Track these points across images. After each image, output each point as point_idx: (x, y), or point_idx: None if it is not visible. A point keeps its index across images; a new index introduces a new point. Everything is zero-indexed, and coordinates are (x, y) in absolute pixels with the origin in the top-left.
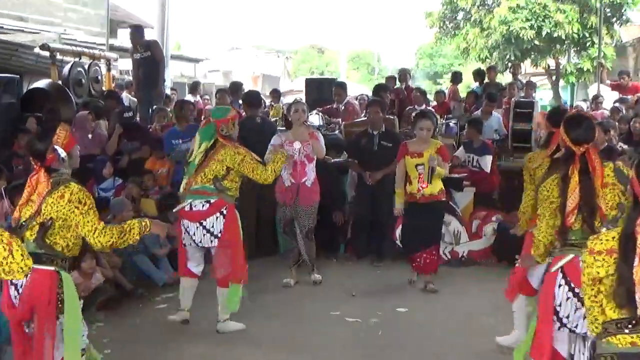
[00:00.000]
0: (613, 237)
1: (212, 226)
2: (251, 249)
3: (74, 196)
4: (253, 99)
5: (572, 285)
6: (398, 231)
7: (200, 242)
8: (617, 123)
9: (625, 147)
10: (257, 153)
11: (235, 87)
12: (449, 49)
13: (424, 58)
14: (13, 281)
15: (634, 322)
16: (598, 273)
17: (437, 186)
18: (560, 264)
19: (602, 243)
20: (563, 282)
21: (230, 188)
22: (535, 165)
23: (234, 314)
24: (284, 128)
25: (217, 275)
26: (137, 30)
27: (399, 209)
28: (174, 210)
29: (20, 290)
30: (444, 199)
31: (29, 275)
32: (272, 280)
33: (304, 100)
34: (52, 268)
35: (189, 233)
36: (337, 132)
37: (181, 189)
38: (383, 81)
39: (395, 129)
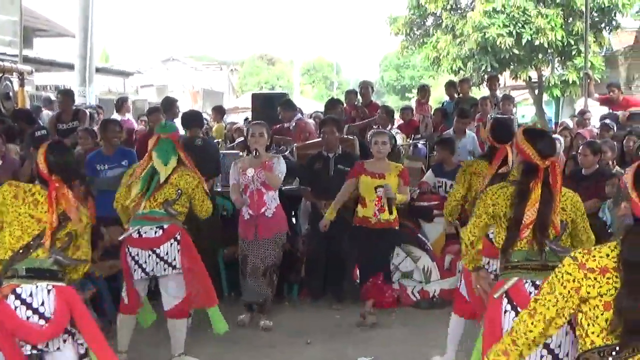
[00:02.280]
0: (607, 255)
1: (167, 253)
2: None
3: None
4: (192, 118)
5: (520, 310)
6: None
7: (152, 270)
8: (615, 143)
9: (618, 169)
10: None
11: (168, 103)
12: (418, 59)
13: (390, 70)
14: (25, 300)
15: (617, 348)
16: (588, 293)
17: (393, 213)
18: (505, 288)
19: (595, 260)
20: (509, 307)
21: (180, 213)
22: (471, 170)
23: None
24: (235, 151)
25: (169, 306)
26: (67, 94)
27: (322, 224)
28: (119, 239)
29: (44, 310)
30: (397, 227)
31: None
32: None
33: (252, 119)
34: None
35: (137, 262)
36: (287, 154)
37: (122, 204)
38: (343, 97)
39: (355, 151)
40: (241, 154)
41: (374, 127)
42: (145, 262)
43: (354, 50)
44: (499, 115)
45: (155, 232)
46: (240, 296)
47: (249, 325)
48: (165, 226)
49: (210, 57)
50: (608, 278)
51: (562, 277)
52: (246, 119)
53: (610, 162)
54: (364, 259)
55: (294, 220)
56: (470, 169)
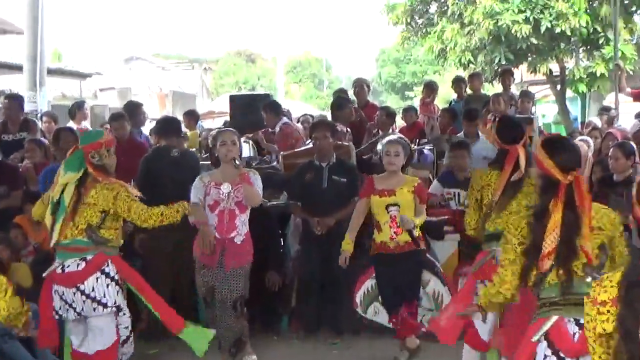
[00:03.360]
0: (618, 282)
1: (92, 289)
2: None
3: None
4: (168, 125)
5: (562, 355)
6: (359, 295)
7: (82, 310)
8: None
9: None
10: (173, 197)
11: (131, 109)
12: (421, 52)
13: (388, 65)
14: None
15: None
16: (604, 330)
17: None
18: (544, 329)
19: (606, 291)
20: (549, 352)
21: (110, 238)
22: (483, 183)
23: None
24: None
25: (91, 351)
26: (13, 100)
27: (342, 257)
28: (44, 275)
29: None
30: (423, 247)
31: None
32: None
33: (229, 126)
34: None
35: (66, 302)
36: (274, 164)
37: (51, 242)
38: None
39: (351, 159)
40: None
41: (373, 131)
42: (73, 301)
43: (346, 44)
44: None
45: (78, 265)
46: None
47: None
48: (89, 257)
49: (180, 55)
50: None
51: (588, 323)
52: (225, 123)
53: None
54: (387, 291)
55: (282, 241)
56: (479, 182)
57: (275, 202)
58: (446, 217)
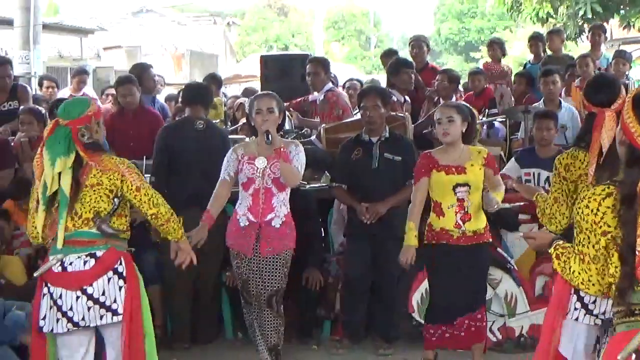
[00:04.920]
0: None
1: (103, 293)
2: (181, 334)
3: None
4: (194, 93)
5: None
6: (416, 297)
7: (83, 319)
8: None
9: None
10: (199, 175)
11: (139, 72)
12: (488, 5)
13: (449, 20)
14: None
15: None
16: None
17: (482, 220)
18: (634, 345)
19: None
20: None
21: (121, 228)
22: (575, 176)
23: None
24: (239, 136)
25: None
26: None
27: (408, 254)
28: (35, 274)
29: None
30: (490, 240)
31: None
32: None
33: (264, 91)
34: None
35: (61, 309)
36: (313, 138)
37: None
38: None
39: (407, 133)
40: (247, 139)
41: (434, 99)
42: (72, 307)
43: None
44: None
45: (85, 263)
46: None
47: None
48: (100, 253)
49: (199, 7)
50: None
51: None
52: (246, 91)
53: None
54: (447, 293)
55: (323, 232)
56: (568, 176)
57: (315, 185)
58: (522, 203)
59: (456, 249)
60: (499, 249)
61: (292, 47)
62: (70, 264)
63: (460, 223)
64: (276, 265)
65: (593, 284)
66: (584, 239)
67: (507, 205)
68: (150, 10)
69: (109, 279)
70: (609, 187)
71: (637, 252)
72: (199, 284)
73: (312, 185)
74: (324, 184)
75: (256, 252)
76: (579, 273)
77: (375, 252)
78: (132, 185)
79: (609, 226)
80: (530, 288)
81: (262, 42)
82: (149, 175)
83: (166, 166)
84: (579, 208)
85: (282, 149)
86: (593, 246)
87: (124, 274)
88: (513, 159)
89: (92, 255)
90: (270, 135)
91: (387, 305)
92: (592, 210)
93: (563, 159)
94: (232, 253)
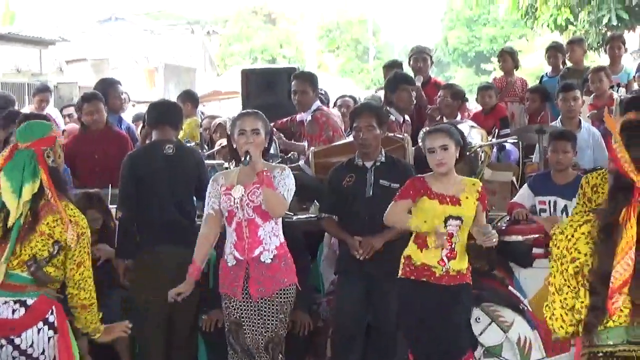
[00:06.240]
0: None
1: (31, 344)
2: None
3: None
4: (162, 112)
5: None
6: None
7: None
8: None
9: None
10: (172, 206)
11: (104, 88)
12: (502, 11)
13: (458, 27)
14: None
15: None
16: None
17: (465, 260)
18: None
19: None
20: None
21: (56, 278)
22: (601, 199)
23: None
24: (217, 161)
25: None
26: None
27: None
28: None
29: None
30: (470, 282)
31: None
32: None
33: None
34: None
35: None
36: (301, 163)
37: None
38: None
39: (407, 157)
40: (226, 165)
41: (436, 118)
42: None
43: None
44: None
45: (15, 311)
46: None
47: None
48: (30, 301)
49: (175, 14)
50: None
51: None
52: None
53: None
54: (426, 337)
55: (312, 269)
56: (593, 197)
57: (302, 216)
58: (536, 235)
59: (438, 288)
60: (510, 287)
61: (280, 58)
62: None
63: (445, 260)
64: (270, 308)
65: (557, 319)
66: (552, 266)
67: (519, 237)
68: (120, 18)
69: (39, 330)
70: (587, 215)
71: (611, 284)
72: (172, 329)
73: (299, 217)
74: (312, 215)
75: (246, 293)
76: (546, 309)
77: (370, 292)
78: (76, 257)
79: (579, 252)
80: (547, 331)
81: (246, 54)
82: (116, 207)
83: (134, 197)
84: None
85: (264, 174)
86: (561, 273)
87: (55, 324)
88: (526, 185)
89: (22, 303)
90: (250, 157)
91: (385, 352)
92: (566, 237)
93: (592, 178)
94: (222, 296)
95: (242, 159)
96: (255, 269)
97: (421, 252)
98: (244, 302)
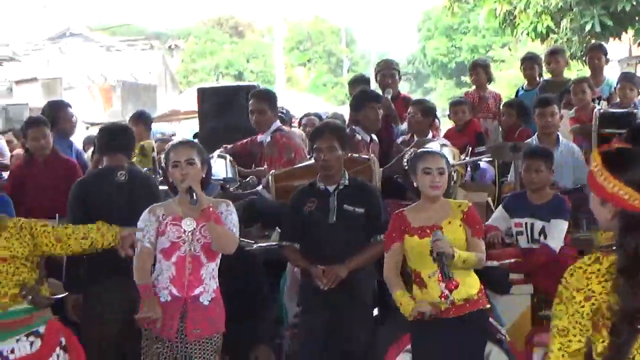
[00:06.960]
0: None
1: None
2: None
3: None
4: (113, 138)
5: None
6: None
7: None
8: None
9: None
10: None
11: (53, 111)
12: (481, 18)
13: (436, 37)
14: None
15: None
16: None
17: (474, 283)
18: None
19: None
20: None
21: (50, 295)
22: None
23: None
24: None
25: None
26: None
27: (416, 313)
28: None
29: None
30: (488, 305)
31: None
32: None
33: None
34: None
35: None
36: (260, 188)
37: None
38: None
39: (373, 180)
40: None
41: (405, 137)
42: None
43: (374, 8)
44: (616, 109)
45: (32, 344)
46: None
47: None
48: (42, 329)
49: (134, 29)
50: None
51: None
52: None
53: None
54: None
55: (274, 300)
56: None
57: (263, 244)
58: (512, 259)
59: (446, 323)
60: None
61: (248, 73)
62: (12, 351)
63: (447, 293)
64: (207, 351)
65: None
66: (560, 310)
67: (494, 263)
68: (74, 33)
69: (57, 356)
70: (595, 255)
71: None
72: None
73: (260, 244)
74: (273, 243)
75: (182, 334)
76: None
77: (336, 322)
78: (50, 238)
79: (593, 292)
80: None
81: (210, 69)
82: None
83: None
84: (564, 278)
85: (211, 209)
86: (572, 315)
87: (66, 346)
88: (501, 206)
89: (35, 334)
90: (195, 194)
91: None
92: (576, 279)
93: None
94: (148, 336)
95: (189, 197)
96: (193, 308)
97: (421, 291)
98: (177, 343)
